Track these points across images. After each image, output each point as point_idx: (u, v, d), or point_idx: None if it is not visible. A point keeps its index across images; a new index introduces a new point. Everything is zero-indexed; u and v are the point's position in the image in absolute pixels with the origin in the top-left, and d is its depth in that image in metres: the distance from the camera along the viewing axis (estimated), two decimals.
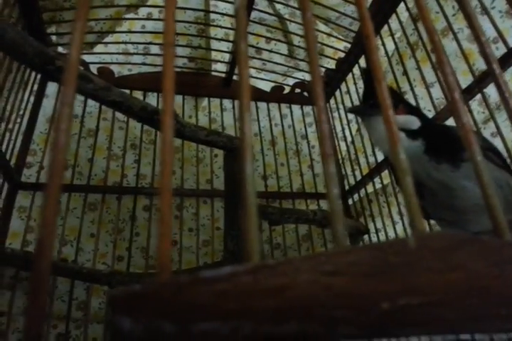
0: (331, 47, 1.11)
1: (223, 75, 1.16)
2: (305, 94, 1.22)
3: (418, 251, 0.15)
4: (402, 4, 0.88)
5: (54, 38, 1.02)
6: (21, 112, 0.95)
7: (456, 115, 0.19)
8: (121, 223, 1.00)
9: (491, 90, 0.70)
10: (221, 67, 1.17)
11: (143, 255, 0.96)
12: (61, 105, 0.14)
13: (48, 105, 1.03)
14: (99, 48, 1.10)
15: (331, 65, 1.14)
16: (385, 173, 0.94)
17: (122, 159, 1.02)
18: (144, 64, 1.12)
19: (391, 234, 0.92)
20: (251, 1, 0.94)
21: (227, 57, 1.14)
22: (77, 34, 0.15)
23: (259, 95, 1.16)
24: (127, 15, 1.08)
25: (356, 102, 1.05)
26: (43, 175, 0.97)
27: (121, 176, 1.01)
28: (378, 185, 0.98)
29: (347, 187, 1.09)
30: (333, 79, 1.13)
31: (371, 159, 0.99)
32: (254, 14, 1.05)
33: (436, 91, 0.78)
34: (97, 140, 1.02)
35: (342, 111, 1.12)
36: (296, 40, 1.15)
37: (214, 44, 1.14)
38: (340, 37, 1.11)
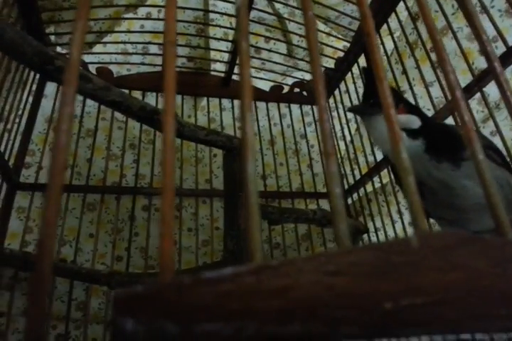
0: (331, 46, 1.11)
1: (222, 75, 1.16)
2: (304, 93, 1.22)
3: (420, 251, 0.15)
4: (401, 3, 0.88)
5: (53, 37, 1.02)
6: (20, 112, 0.95)
7: (457, 113, 0.19)
8: (120, 223, 1.00)
9: (490, 89, 0.70)
10: (220, 67, 1.17)
11: (142, 255, 0.96)
12: (62, 105, 0.14)
13: (46, 105, 1.03)
14: (98, 48, 1.09)
15: (330, 64, 1.14)
16: (384, 172, 0.94)
17: (121, 159, 1.02)
18: (142, 64, 1.12)
19: (390, 234, 0.92)
20: (250, 1, 0.94)
21: (226, 56, 1.14)
22: (78, 34, 0.15)
23: (258, 95, 1.16)
24: (126, 15, 1.08)
25: (356, 101, 1.05)
26: (42, 175, 0.97)
27: (120, 176, 1.01)
28: (377, 185, 0.98)
29: (346, 187, 1.09)
30: (333, 79, 1.13)
31: (370, 158, 0.99)
32: (253, 13, 1.05)
33: (436, 91, 0.78)
34: (96, 140, 1.02)
35: (341, 111, 1.12)
36: (296, 40, 1.15)
37: (213, 44, 1.14)
38: (340, 36, 1.11)
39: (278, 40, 1.15)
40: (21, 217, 0.94)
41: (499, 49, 0.64)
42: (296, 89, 1.21)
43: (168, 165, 0.14)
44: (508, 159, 0.61)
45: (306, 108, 1.21)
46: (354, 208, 1.06)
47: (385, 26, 0.93)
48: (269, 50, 1.15)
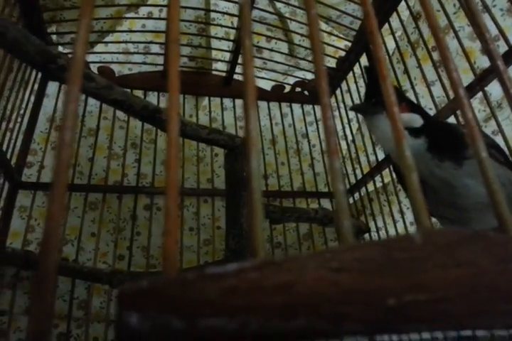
0: (332, 45, 1.11)
1: (224, 74, 1.16)
2: (305, 93, 1.22)
3: (424, 248, 0.15)
4: (403, 2, 0.88)
5: (54, 37, 1.02)
6: (22, 111, 0.95)
7: (460, 111, 0.19)
8: (121, 222, 1.00)
9: (492, 88, 0.70)
10: (221, 67, 1.17)
11: (144, 254, 0.96)
12: (66, 102, 0.14)
13: (48, 104, 1.03)
14: (99, 48, 1.10)
15: (332, 63, 1.14)
16: (386, 172, 0.94)
17: (123, 158, 1.02)
18: (144, 63, 1.12)
19: (392, 233, 0.92)
20: (252, 0, 0.94)
21: (227, 56, 1.14)
22: (82, 31, 0.15)
23: (259, 94, 1.15)
24: (128, 15, 1.08)
25: (357, 101, 1.05)
26: (44, 174, 0.97)
27: (122, 175, 1.01)
28: (379, 184, 0.98)
29: (348, 186, 1.09)
30: (334, 78, 1.13)
31: (372, 158, 0.99)
32: (254, 13, 1.05)
33: (437, 90, 0.77)
34: (98, 139, 1.02)
35: (343, 110, 1.12)
36: (297, 39, 1.15)
37: (214, 43, 1.14)
38: (341, 35, 1.11)
39: (279, 39, 1.15)
40: (23, 216, 0.94)
41: (501, 48, 0.63)
42: (298, 89, 1.21)
43: (172, 162, 0.14)
44: (511, 158, 0.61)
45: (308, 107, 1.21)
46: (356, 207, 1.06)
47: (386, 25, 0.93)
48: (271, 50, 1.15)
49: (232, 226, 0.67)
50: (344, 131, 1.11)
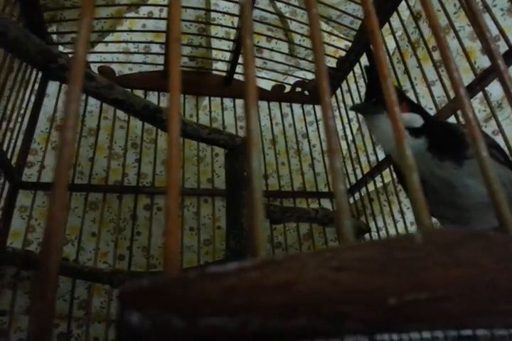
0: (332, 45, 1.11)
1: (224, 74, 1.16)
2: (306, 92, 1.22)
3: (425, 247, 0.15)
4: (403, 2, 0.88)
5: (54, 37, 1.02)
6: (22, 111, 0.95)
7: (461, 111, 0.19)
8: (122, 222, 1.00)
9: (492, 88, 0.70)
10: (222, 66, 1.17)
11: (144, 254, 0.96)
12: (67, 102, 0.14)
13: (48, 104, 1.03)
14: (99, 47, 1.10)
15: (332, 63, 1.14)
16: (386, 172, 0.94)
17: (123, 158, 1.02)
18: (144, 63, 1.12)
19: (392, 233, 0.92)
20: (253, 0, 0.94)
21: (227, 56, 1.14)
22: (84, 31, 0.15)
23: (259, 94, 1.15)
24: (128, 14, 1.08)
25: (357, 101, 1.05)
26: (44, 174, 0.97)
27: (122, 175, 1.01)
28: (379, 184, 0.98)
29: (348, 186, 1.09)
30: (334, 78, 1.13)
31: (372, 158, 0.99)
32: (255, 13, 1.05)
33: (438, 90, 0.77)
34: (98, 139, 1.02)
35: (343, 110, 1.12)
36: (297, 39, 1.15)
37: (215, 43, 1.14)
38: (341, 35, 1.11)
39: (280, 39, 1.15)
40: (24, 216, 0.94)
41: (501, 48, 0.63)
42: (298, 89, 1.21)
43: (174, 161, 0.14)
44: (511, 158, 0.61)
45: (308, 107, 1.21)
46: (356, 208, 1.06)
47: (386, 25, 0.93)
48: (271, 50, 1.15)
49: (232, 226, 0.68)
50: (344, 131, 1.11)
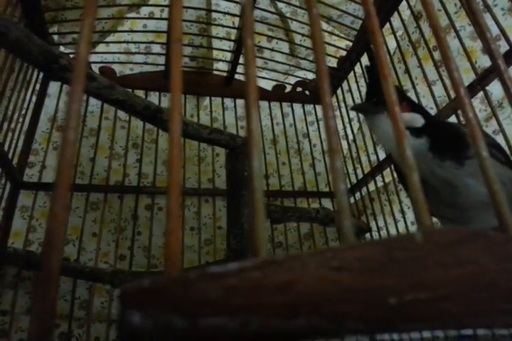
0: (333, 45, 1.11)
1: (225, 74, 1.16)
2: (306, 92, 1.22)
3: (425, 246, 0.15)
4: (404, 2, 0.88)
5: (56, 37, 1.02)
6: (23, 112, 0.95)
7: (461, 111, 0.19)
8: (123, 222, 1.00)
9: (493, 88, 0.70)
10: (223, 66, 1.17)
11: (145, 254, 0.96)
12: (70, 102, 0.14)
13: (50, 104, 1.03)
14: (100, 48, 1.10)
15: (333, 63, 1.14)
16: (387, 172, 0.94)
17: (124, 158, 1.03)
18: (145, 63, 1.13)
19: (393, 233, 0.92)
20: (253, 0, 0.94)
21: (228, 56, 1.14)
22: (86, 31, 0.15)
23: (260, 94, 1.15)
24: (129, 15, 1.08)
25: (358, 100, 1.05)
26: (45, 174, 0.97)
27: (123, 175, 1.01)
28: (380, 184, 0.98)
29: (349, 186, 1.09)
30: (335, 78, 1.13)
31: (373, 157, 0.99)
32: (256, 13, 1.05)
33: (438, 89, 0.77)
34: (99, 139, 1.02)
35: (344, 110, 1.12)
36: (298, 39, 1.15)
37: (215, 43, 1.14)
38: (342, 35, 1.11)
39: (280, 39, 1.15)
40: (25, 216, 0.94)
41: (502, 48, 0.63)
42: (299, 89, 1.21)
43: (175, 161, 0.14)
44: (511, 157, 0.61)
45: (309, 107, 1.21)
46: (357, 207, 1.06)
47: (387, 25, 0.93)
48: (272, 50, 1.15)
49: (233, 225, 0.68)
50: (345, 131, 1.11)
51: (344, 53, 1.11)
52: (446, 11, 0.76)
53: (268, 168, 1.12)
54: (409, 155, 0.17)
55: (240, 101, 1.16)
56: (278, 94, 1.19)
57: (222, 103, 1.16)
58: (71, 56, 0.75)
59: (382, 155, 0.95)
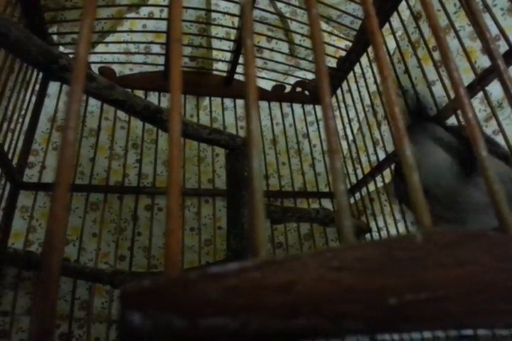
0: (333, 45, 1.11)
1: (224, 74, 1.16)
2: (306, 92, 1.22)
3: (425, 247, 0.15)
4: (403, 2, 0.88)
5: (55, 37, 1.02)
6: (23, 112, 0.95)
7: (461, 111, 0.19)
8: (123, 222, 1.00)
9: (492, 88, 0.70)
10: (222, 66, 1.17)
11: (145, 254, 0.96)
12: (69, 102, 0.14)
13: (49, 105, 1.03)
14: (100, 48, 1.10)
15: (332, 63, 1.14)
16: (387, 172, 0.94)
17: (124, 158, 1.03)
18: (145, 63, 1.13)
19: (393, 233, 0.92)
20: (253, 0, 0.94)
21: (228, 56, 1.14)
22: (85, 32, 0.15)
23: (260, 94, 1.15)
24: (128, 15, 1.08)
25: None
26: (45, 174, 0.97)
27: (123, 176, 1.01)
28: (380, 184, 0.98)
29: (349, 186, 1.09)
30: (335, 78, 1.13)
31: (373, 158, 0.99)
32: (255, 13, 1.05)
33: (438, 89, 0.77)
34: (99, 139, 1.02)
35: (343, 110, 1.12)
36: (298, 39, 1.15)
37: (215, 43, 1.14)
38: (342, 35, 1.11)
39: (280, 39, 1.15)
40: (25, 217, 0.94)
41: (501, 48, 0.63)
42: (298, 89, 1.21)
43: (175, 161, 0.14)
44: None
45: (308, 107, 1.21)
46: (357, 207, 1.06)
47: (387, 25, 0.93)
48: (271, 50, 1.15)
49: (233, 226, 0.68)
50: (345, 131, 1.11)
51: (344, 53, 1.11)
52: (445, 11, 0.76)
53: (268, 168, 1.12)
54: (409, 155, 0.17)
55: (240, 102, 1.16)
56: (278, 94, 1.19)
57: (222, 103, 1.16)
58: (70, 56, 0.75)
59: (382, 156, 0.95)
